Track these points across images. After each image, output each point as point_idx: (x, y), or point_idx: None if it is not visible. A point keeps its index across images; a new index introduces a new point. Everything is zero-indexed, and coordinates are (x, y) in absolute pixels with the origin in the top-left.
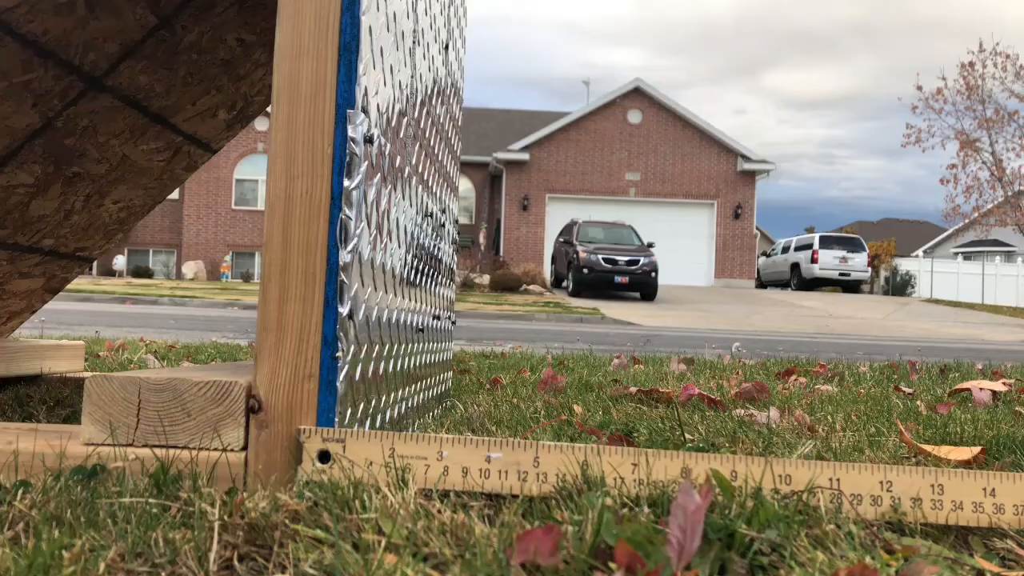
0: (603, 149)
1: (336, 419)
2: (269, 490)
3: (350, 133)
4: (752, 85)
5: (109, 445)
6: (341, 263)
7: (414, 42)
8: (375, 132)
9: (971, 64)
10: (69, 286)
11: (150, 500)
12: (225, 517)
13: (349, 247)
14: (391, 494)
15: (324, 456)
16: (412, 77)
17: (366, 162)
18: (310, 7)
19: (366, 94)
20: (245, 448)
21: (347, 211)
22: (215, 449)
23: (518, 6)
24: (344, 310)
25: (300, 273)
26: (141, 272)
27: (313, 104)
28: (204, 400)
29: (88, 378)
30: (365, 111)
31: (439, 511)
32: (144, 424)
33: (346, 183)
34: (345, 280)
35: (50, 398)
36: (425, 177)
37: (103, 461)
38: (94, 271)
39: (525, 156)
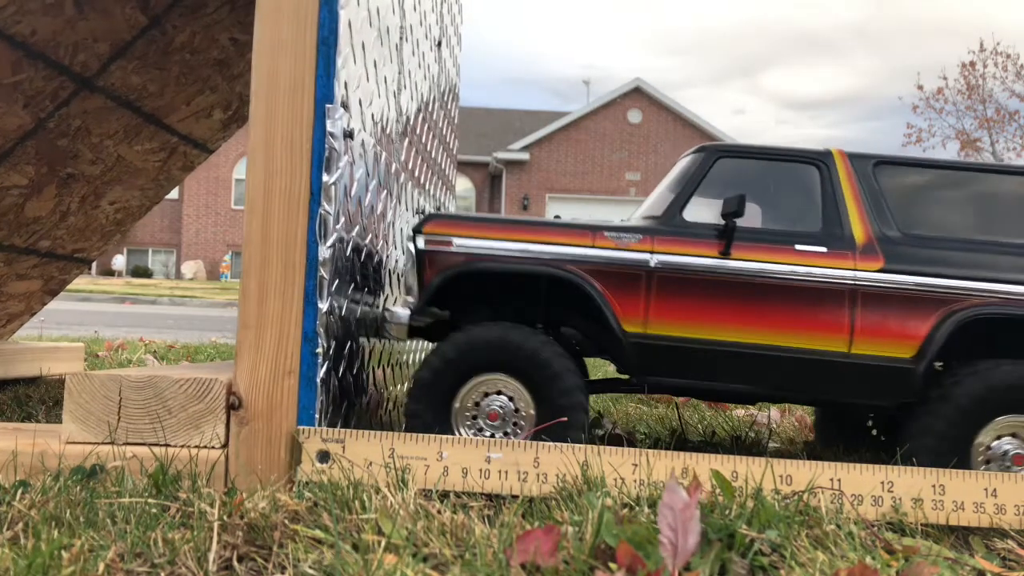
0: (603, 149)
1: (316, 416)
2: (269, 490)
3: (329, 128)
4: (752, 85)
5: (90, 443)
6: (320, 258)
7: (401, 38)
8: (355, 127)
9: (972, 64)
10: (68, 285)
11: (149, 500)
12: (224, 517)
13: (329, 242)
14: (391, 494)
15: (323, 456)
16: (400, 73)
17: (346, 156)
18: (289, 2)
19: (346, 88)
20: (225, 445)
21: (326, 206)
22: (196, 446)
23: (518, 5)
24: (324, 306)
25: (280, 269)
26: (140, 272)
27: (292, 99)
28: (185, 397)
29: (68, 376)
30: (345, 106)
31: (439, 511)
32: (125, 421)
33: (325, 178)
34: (325, 275)
35: (49, 398)
36: (417, 174)
37: (83, 459)
38: (93, 271)
39: (525, 156)
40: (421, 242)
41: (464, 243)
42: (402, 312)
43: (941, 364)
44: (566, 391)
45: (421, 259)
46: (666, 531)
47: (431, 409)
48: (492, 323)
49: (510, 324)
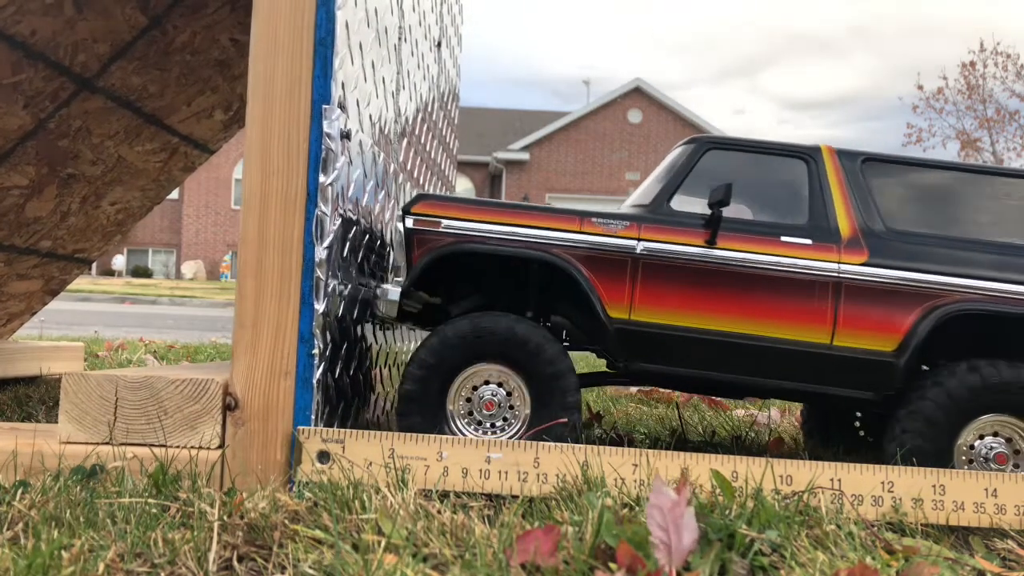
0: (603, 149)
1: (313, 417)
2: (269, 490)
3: (326, 128)
4: (752, 85)
5: (86, 443)
6: (317, 259)
7: (400, 38)
8: (352, 128)
9: (972, 64)
10: (68, 285)
11: (149, 500)
12: (224, 517)
13: (325, 243)
14: (391, 494)
15: (323, 456)
16: (398, 74)
17: (343, 157)
18: (285, 2)
19: (343, 89)
20: (222, 446)
21: (323, 207)
22: (192, 447)
23: (519, 6)
24: (320, 307)
25: (276, 270)
26: (140, 272)
27: (288, 100)
28: (181, 398)
29: (65, 376)
30: (342, 107)
31: (439, 511)
32: (121, 422)
33: (322, 179)
34: (321, 276)
35: (49, 398)
36: (415, 175)
37: (83, 459)
38: (93, 271)
39: (525, 156)
40: (410, 222)
41: (453, 224)
42: (393, 289)
43: (926, 367)
44: (551, 359)
45: (409, 239)
46: (657, 532)
47: (426, 420)
48: (460, 317)
49: (478, 312)
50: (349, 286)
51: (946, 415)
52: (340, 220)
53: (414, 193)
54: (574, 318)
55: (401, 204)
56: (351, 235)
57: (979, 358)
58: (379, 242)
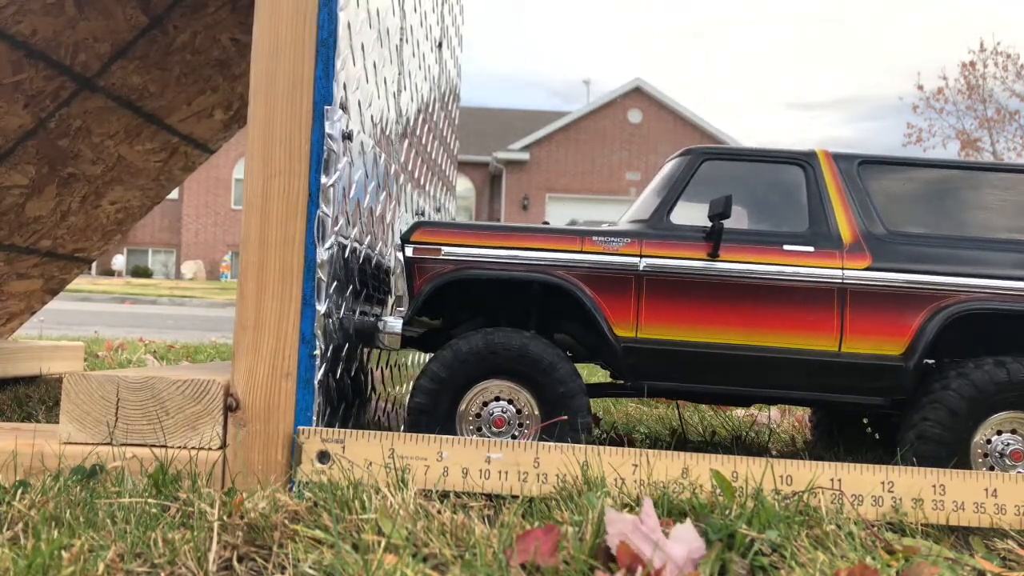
0: (603, 149)
1: (314, 418)
2: (269, 490)
3: (327, 129)
4: (752, 85)
5: (87, 444)
6: (318, 260)
7: (401, 39)
8: (354, 128)
9: (972, 64)
10: (68, 285)
11: (149, 500)
12: (224, 517)
13: (327, 244)
14: (391, 494)
15: (323, 456)
16: (400, 74)
17: (345, 158)
18: (288, 3)
19: (345, 90)
20: (223, 447)
21: (324, 208)
22: (193, 448)
23: (518, 5)
24: (322, 308)
25: (278, 271)
26: (140, 272)
27: (290, 100)
28: (182, 398)
29: (66, 376)
30: (344, 107)
31: (439, 511)
32: (122, 422)
33: (324, 180)
34: (323, 277)
35: (49, 398)
36: (416, 175)
37: (83, 459)
38: (93, 271)
39: (525, 156)
40: (410, 251)
41: (453, 251)
42: (395, 322)
43: (934, 363)
44: (563, 379)
45: (410, 268)
46: (642, 547)
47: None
48: (473, 333)
49: (491, 328)
50: (351, 287)
51: (969, 407)
52: (342, 221)
53: (414, 196)
54: (578, 336)
55: (402, 205)
56: (352, 236)
57: (987, 356)
58: (381, 244)
